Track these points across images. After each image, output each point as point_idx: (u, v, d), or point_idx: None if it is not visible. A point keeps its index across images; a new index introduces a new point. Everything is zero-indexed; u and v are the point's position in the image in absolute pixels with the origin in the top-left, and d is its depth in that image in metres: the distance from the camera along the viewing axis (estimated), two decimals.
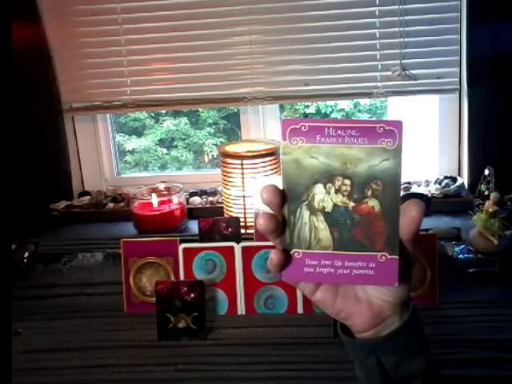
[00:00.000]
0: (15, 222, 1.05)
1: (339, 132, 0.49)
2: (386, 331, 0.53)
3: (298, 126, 0.49)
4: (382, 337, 0.54)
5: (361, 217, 0.49)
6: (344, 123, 0.49)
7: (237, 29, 1.63)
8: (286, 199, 0.50)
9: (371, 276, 0.50)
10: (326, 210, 0.50)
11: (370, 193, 0.49)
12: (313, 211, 0.50)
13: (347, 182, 0.49)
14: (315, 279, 0.51)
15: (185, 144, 2.94)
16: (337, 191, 0.50)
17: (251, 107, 1.75)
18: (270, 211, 0.50)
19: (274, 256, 0.50)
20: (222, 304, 1.24)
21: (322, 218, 0.50)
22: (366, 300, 0.53)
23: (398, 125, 0.48)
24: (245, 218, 1.47)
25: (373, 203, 0.49)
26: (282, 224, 0.50)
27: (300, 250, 0.51)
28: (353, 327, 0.55)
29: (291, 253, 0.51)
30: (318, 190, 0.50)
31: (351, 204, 0.50)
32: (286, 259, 0.50)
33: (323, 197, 0.50)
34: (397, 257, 0.49)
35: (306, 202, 0.50)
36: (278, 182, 0.51)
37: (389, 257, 0.49)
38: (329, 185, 0.50)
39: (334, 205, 0.50)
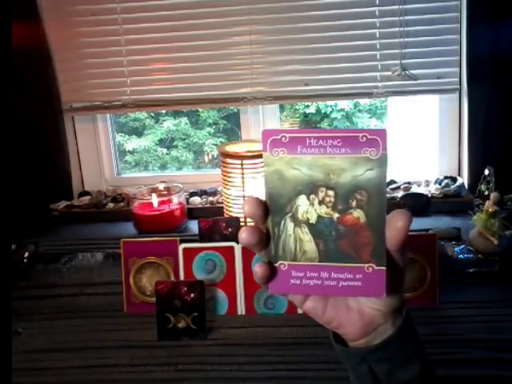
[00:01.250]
0: (15, 221, 1.05)
1: (321, 142, 0.48)
2: (379, 339, 0.53)
3: (278, 137, 0.48)
4: (374, 346, 0.53)
5: (346, 228, 0.49)
6: (326, 133, 0.48)
7: (237, 29, 1.63)
8: (269, 211, 0.49)
9: (359, 287, 0.49)
10: (311, 221, 0.49)
11: (354, 203, 0.48)
12: (297, 223, 0.49)
13: (331, 192, 0.48)
14: (302, 291, 0.51)
15: (185, 144, 2.94)
16: (320, 202, 0.49)
17: (251, 107, 1.75)
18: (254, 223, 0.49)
19: (258, 269, 0.49)
20: (222, 304, 1.24)
21: (306, 229, 0.49)
22: (357, 309, 0.52)
23: (382, 133, 0.47)
24: (245, 218, 1.47)
25: (358, 214, 0.48)
26: (266, 236, 0.49)
27: (286, 262, 0.50)
28: (345, 336, 0.54)
29: (277, 265, 0.50)
30: (302, 201, 0.49)
31: (336, 215, 0.49)
32: (272, 271, 0.50)
33: (307, 208, 0.49)
34: (384, 268, 0.48)
35: (290, 214, 0.49)
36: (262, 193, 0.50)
37: (376, 268, 0.48)
38: (312, 196, 0.49)
39: (319, 216, 0.49)
